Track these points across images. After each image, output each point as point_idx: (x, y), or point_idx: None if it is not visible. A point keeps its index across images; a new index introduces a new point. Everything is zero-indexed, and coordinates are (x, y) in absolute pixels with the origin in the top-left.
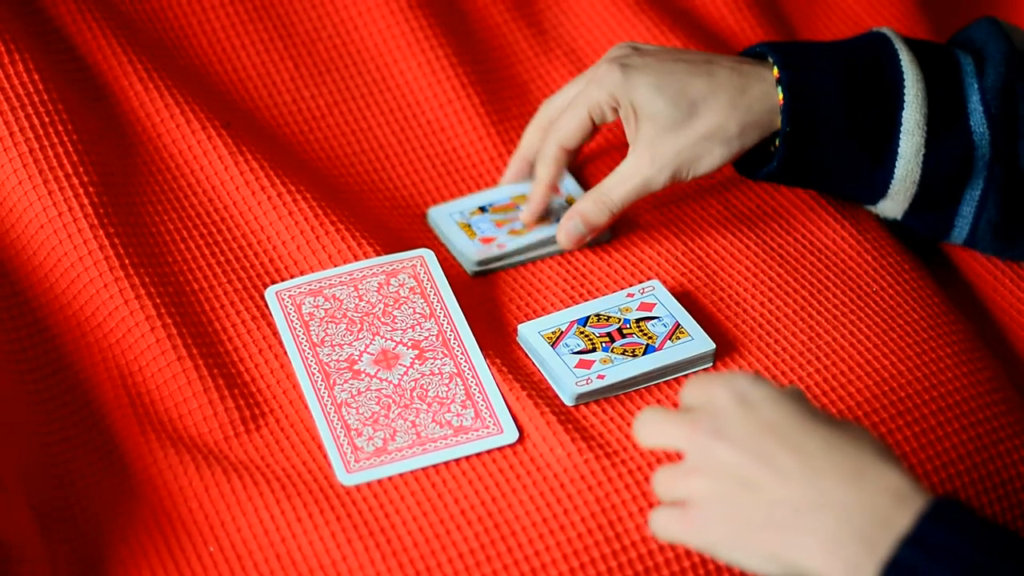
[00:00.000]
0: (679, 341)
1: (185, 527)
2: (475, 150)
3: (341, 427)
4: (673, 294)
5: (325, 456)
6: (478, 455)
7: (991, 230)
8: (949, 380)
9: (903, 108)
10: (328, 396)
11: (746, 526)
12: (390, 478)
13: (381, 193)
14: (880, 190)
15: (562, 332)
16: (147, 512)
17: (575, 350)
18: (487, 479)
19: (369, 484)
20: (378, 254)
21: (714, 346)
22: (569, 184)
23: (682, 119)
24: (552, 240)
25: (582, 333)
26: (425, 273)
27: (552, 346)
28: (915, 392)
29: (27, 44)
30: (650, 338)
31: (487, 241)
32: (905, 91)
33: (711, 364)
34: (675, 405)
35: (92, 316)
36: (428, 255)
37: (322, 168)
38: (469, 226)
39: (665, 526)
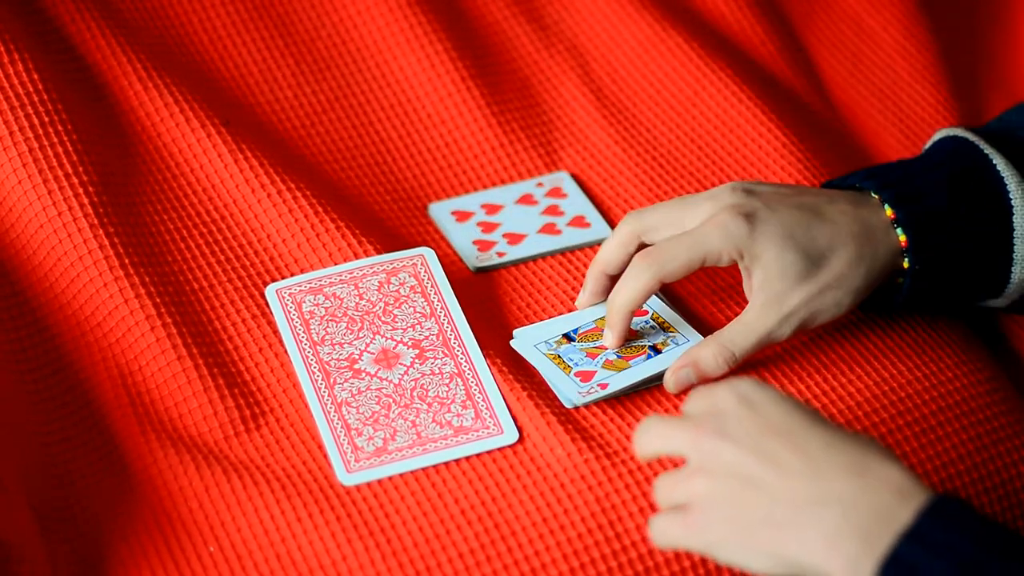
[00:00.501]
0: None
1: (185, 527)
2: (476, 143)
3: (341, 427)
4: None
5: (325, 456)
6: (478, 455)
7: None
8: (949, 380)
9: (1013, 213)
10: (328, 395)
11: (747, 525)
12: (390, 478)
13: (382, 188)
14: (994, 293)
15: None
16: (147, 512)
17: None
18: (487, 479)
19: (369, 484)
20: (379, 252)
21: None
22: (654, 300)
23: (809, 271)
24: (657, 377)
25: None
26: (426, 272)
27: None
28: (915, 392)
29: (27, 44)
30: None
31: (586, 378)
32: (1011, 196)
33: None
34: (676, 408)
35: (92, 316)
36: (429, 254)
37: (323, 165)
38: (560, 358)
39: (665, 531)
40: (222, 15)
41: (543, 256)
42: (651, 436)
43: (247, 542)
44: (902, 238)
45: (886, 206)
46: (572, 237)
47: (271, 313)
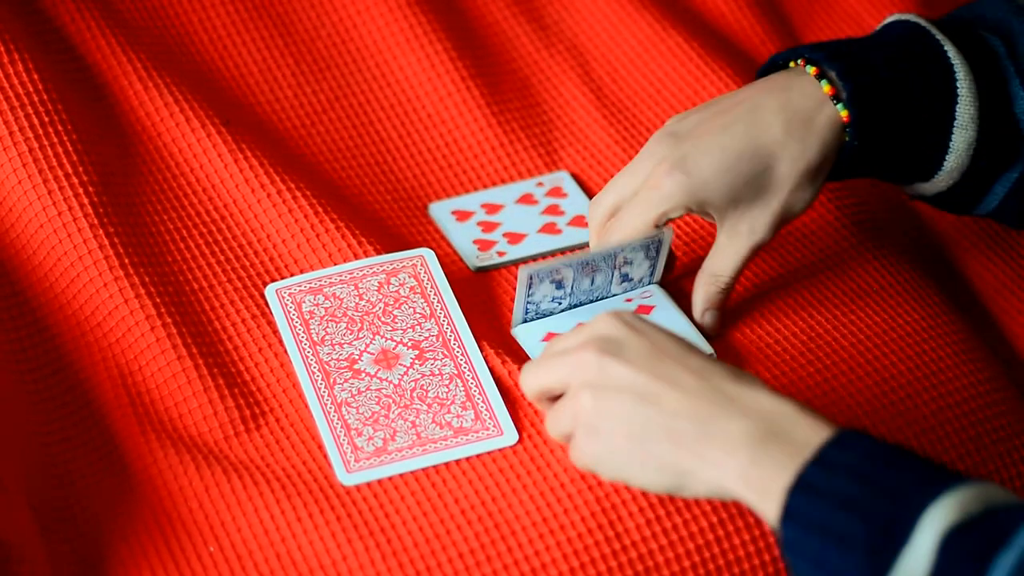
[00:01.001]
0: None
1: (185, 527)
2: (476, 143)
3: (341, 427)
4: (671, 295)
5: (325, 456)
6: (478, 456)
7: (1018, 206)
8: (949, 380)
9: (956, 102)
10: (328, 395)
11: (642, 437)
12: (390, 478)
13: (382, 188)
14: (924, 177)
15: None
16: (147, 512)
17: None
18: (487, 479)
19: (369, 484)
20: (378, 253)
21: (711, 351)
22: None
23: (760, 190)
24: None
25: None
26: (425, 273)
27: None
28: (915, 392)
29: (27, 44)
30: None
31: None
32: (958, 86)
33: None
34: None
35: (92, 316)
36: (428, 254)
37: (323, 164)
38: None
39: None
40: (222, 15)
41: (543, 256)
42: (533, 373)
43: (247, 542)
44: (844, 113)
45: (824, 82)
46: (572, 237)
47: (271, 313)
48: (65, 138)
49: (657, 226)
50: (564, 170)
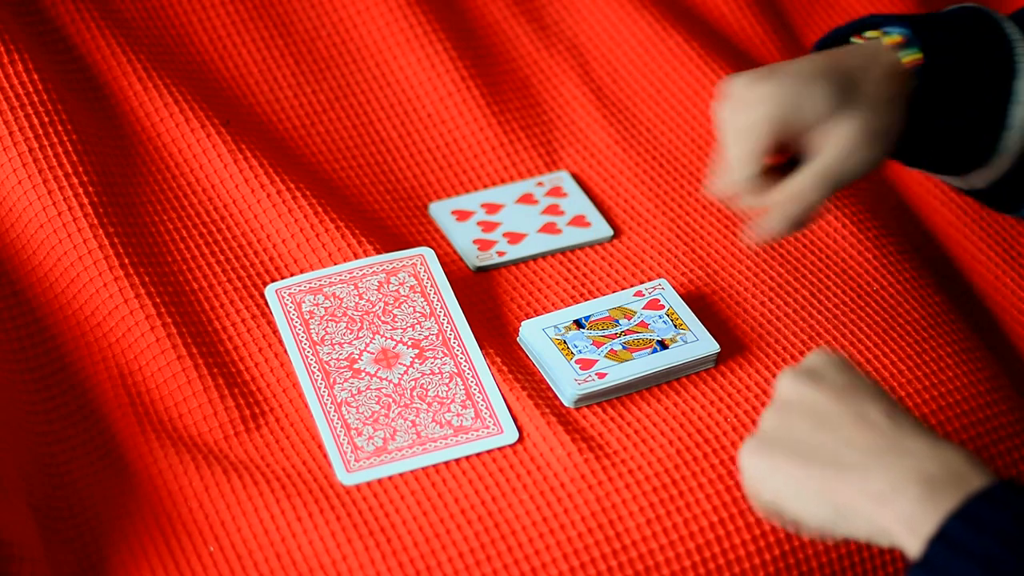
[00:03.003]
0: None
1: (185, 527)
2: (476, 142)
3: (341, 426)
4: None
5: (325, 455)
6: (478, 455)
7: None
8: (949, 380)
9: (1015, 77)
10: (328, 395)
11: (810, 460)
12: (390, 478)
13: (382, 188)
14: (981, 160)
15: (565, 331)
16: (147, 512)
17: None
18: (487, 479)
19: (369, 484)
20: (378, 252)
21: (718, 348)
22: (673, 297)
23: (847, 102)
24: (653, 377)
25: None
26: (425, 272)
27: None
28: (915, 392)
29: (27, 44)
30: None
31: (586, 366)
32: (1016, 59)
33: (713, 366)
34: (677, 408)
35: (92, 316)
36: (428, 254)
37: (323, 164)
38: (565, 344)
39: (742, 452)
40: (222, 15)
41: (543, 255)
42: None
43: (247, 542)
44: (914, 56)
45: (904, 51)
46: (572, 236)
47: (271, 313)
48: (65, 138)
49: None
50: (564, 170)
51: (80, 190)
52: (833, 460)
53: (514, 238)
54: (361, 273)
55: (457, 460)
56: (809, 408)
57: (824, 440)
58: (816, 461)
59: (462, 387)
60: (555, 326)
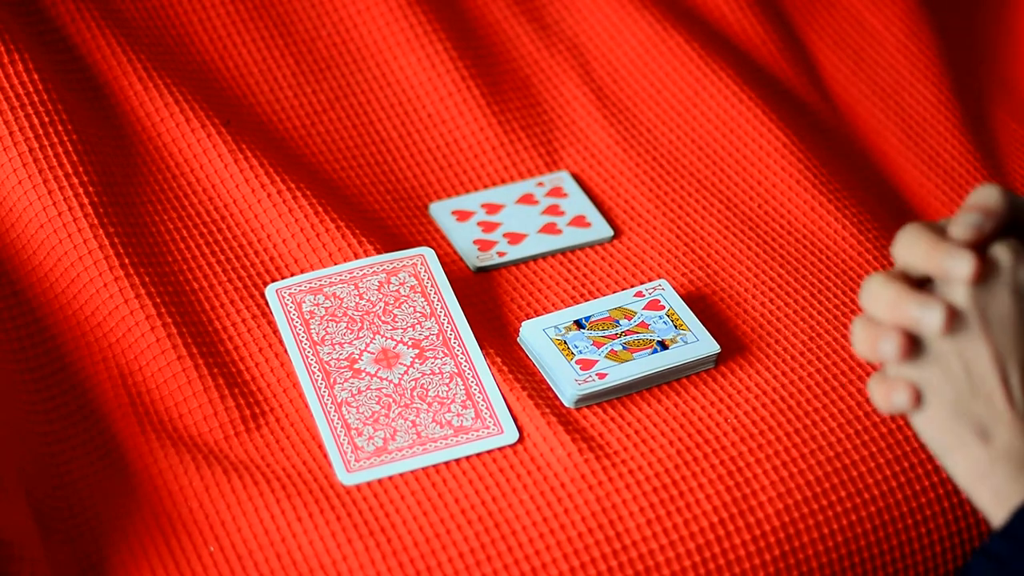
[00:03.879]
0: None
1: (185, 527)
2: (476, 142)
3: (341, 426)
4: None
5: (325, 455)
6: (478, 455)
7: None
8: None
9: None
10: (328, 395)
11: (957, 417)
12: (390, 478)
13: (382, 188)
14: None
15: (565, 331)
16: (147, 512)
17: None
18: (487, 479)
19: (369, 484)
20: (379, 252)
21: (719, 348)
22: (673, 297)
23: None
24: (654, 377)
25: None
26: (426, 272)
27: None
28: None
29: (27, 44)
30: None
31: (586, 366)
32: None
33: (713, 366)
34: (677, 408)
35: (92, 316)
36: (429, 254)
37: (323, 164)
38: (566, 344)
39: (887, 396)
40: (222, 15)
41: (544, 256)
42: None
43: (247, 542)
44: None
45: None
46: (573, 237)
47: (271, 313)
48: (65, 138)
49: None
50: (564, 170)
51: (80, 190)
52: (968, 418)
53: (514, 238)
54: (361, 273)
55: (457, 460)
56: (971, 368)
57: (972, 403)
58: (964, 422)
59: (462, 387)
60: (555, 326)
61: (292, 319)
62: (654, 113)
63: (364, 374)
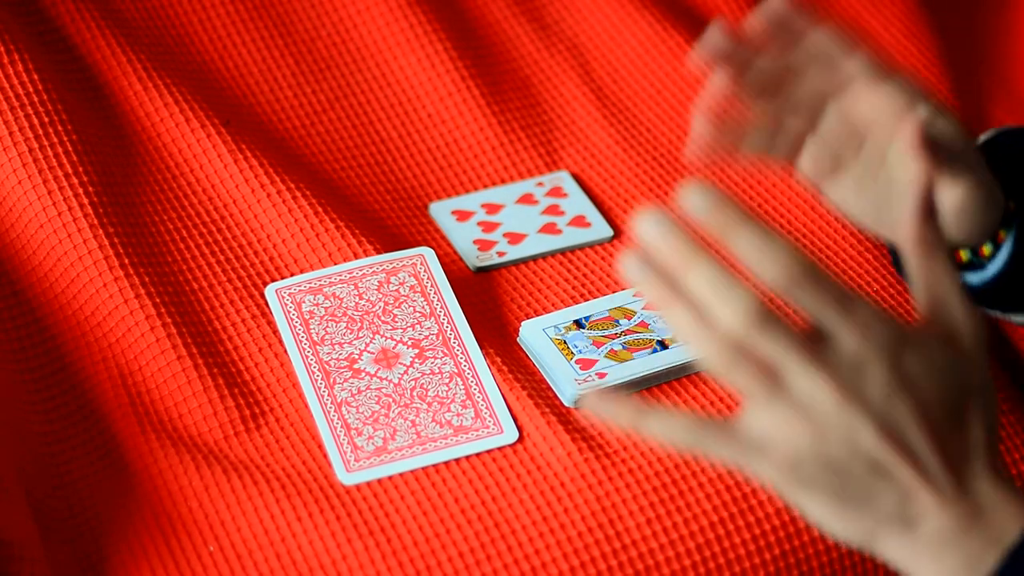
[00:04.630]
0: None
1: (185, 527)
2: (476, 142)
3: (341, 426)
4: None
5: (325, 455)
6: (478, 455)
7: None
8: None
9: None
10: (328, 395)
11: (850, 498)
12: (390, 478)
13: (382, 188)
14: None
15: (565, 331)
16: (147, 512)
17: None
18: (487, 479)
19: (369, 484)
20: (378, 252)
21: None
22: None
23: None
24: (653, 377)
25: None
26: (425, 272)
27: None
28: None
29: (27, 44)
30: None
31: (586, 366)
32: None
33: None
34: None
35: (92, 316)
36: (428, 253)
37: (323, 164)
38: (565, 344)
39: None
40: (222, 15)
41: (544, 256)
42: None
43: (247, 542)
44: None
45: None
46: (573, 237)
47: (271, 313)
48: (65, 138)
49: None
50: (564, 170)
51: (80, 190)
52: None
53: (514, 238)
54: (361, 273)
55: (457, 460)
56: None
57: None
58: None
59: (462, 387)
60: (555, 326)
61: (292, 319)
62: (654, 113)
63: (364, 374)
